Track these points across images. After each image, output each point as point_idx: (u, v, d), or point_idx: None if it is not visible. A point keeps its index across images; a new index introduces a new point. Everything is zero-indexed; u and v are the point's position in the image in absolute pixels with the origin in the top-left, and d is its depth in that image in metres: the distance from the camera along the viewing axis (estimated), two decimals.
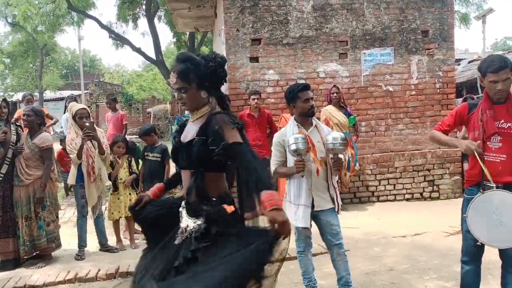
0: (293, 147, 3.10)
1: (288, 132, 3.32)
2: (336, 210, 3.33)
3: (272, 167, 3.38)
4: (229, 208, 2.09)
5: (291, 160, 3.27)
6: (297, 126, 3.31)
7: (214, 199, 2.11)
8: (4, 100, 4.74)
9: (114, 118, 7.89)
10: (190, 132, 2.20)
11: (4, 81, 27.33)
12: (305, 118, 3.33)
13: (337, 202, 3.32)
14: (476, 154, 2.87)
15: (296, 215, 3.27)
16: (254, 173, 1.90)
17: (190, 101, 2.19)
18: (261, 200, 1.81)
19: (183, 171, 2.26)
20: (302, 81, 6.81)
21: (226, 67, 2.24)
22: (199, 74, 2.14)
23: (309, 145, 3.12)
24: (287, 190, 3.39)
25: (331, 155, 3.24)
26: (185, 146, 2.18)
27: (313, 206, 3.26)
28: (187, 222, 2.12)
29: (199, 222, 2.07)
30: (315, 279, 3.49)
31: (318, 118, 3.94)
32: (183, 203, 2.24)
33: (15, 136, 4.64)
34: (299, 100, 3.28)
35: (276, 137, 3.43)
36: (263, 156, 6.32)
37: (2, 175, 4.54)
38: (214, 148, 2.00)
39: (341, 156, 3.24)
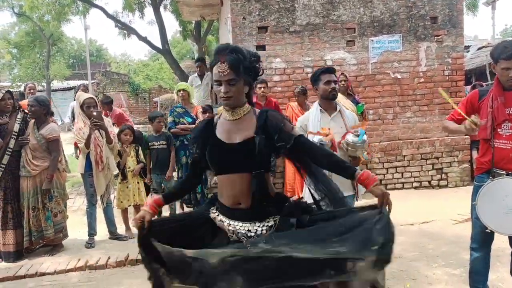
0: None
1: (311, 117, 3.31)
2: (356, 196, 3.32)
3: None
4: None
5: None
6: (321, 111, 3.29)
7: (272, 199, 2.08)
8: (8, 91, 4.67)
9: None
10: (237, 132, 2.04)
11: (11, 72, 27.39)
12: (328, 102, 3.30)
13: (357, 188, 3.29)
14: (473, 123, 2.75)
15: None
16: (332, 156, 2.12)
17: (236, 95, 2.00)
18: (361, 179, 1.96)
19: (228, 176, 2.04)
20: (309, 70, 6.79)
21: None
22: (247, 67, 2.01)
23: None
24: None
25: (349, 155, 3.19)
26: (239, 147, 2.00)
27: None
28: (251, 228, 2.00)
29: (269, 223, 2.01)
30: None
31: None
32: (217, 211, 2.09)
33: (18, 125, 4.58)
34: (320, 82, 3.26)
35: (299, 121, 3.44)
36: None
37: (4, 166, 4.51)
38: (283, 144, 1.98)
39: (358, 155, 3.19)
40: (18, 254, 4.56)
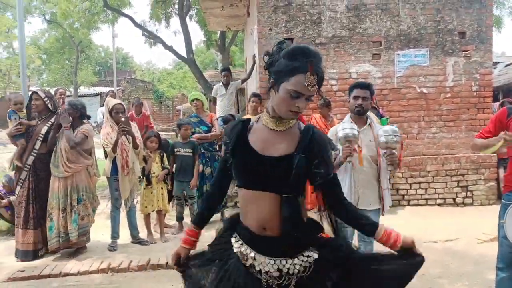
0: (341, 133, 3.02)
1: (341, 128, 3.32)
2: (382, 211, 3.31)
3: None
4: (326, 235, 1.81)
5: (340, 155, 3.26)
6: (352, 124, 3.29)
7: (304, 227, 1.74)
8: (35, 92, 4.76)
9: (139, 121, 8.32)
10: (275, 145, 1.73)
11: (40, 77, 28.23)
12: (357, 116, 3.32)
13: (384, 203, 3.28)
14: None
15: None
16: (355, 211, 1.83)
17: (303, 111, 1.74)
18: (383, 239, 1.77)
19: (254, 192, 1.72)
20: (334, 82, 6.79)
21: None
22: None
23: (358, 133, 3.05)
24: None
25: (383, 151, 3.14)
26: (275, 162, 1.69)
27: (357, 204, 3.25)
28: (280, 266, 1.69)
29: (303, 262, 1.70)
30: None
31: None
32: (239, 238, 1.78)
33: (46, 127, 4.66)
34: (351, 95, 3.32)
35: (330, 131, 3.47)
36: None
37: (28, 166, 4.61)
38: (318, 172, 1.69)
39: (394, 151, 3.11)
40: (35, 253, 4.64)
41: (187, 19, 14.81)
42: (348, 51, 6.80)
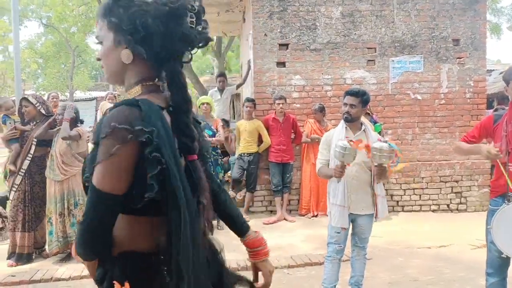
0: (339, 155, 3.00)
1: (335, 134, 3.34)
2: (374, 216, 3.31)
3: (318, 166, 3.43)
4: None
5: (333, 161, 3.27)
6: (346, 129, 3.31)
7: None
8: (25, 99, 4.78)
9: None
10: None
11: (36, 81, 28.15)
12: (349, 122, 3.33)
13: (377, 209, 3.27)
14: (499, 163, 2.83)
15: (331, 214, 3.31)
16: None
17: (105, 62, 1.27)
18: (249, 243, 1.54)
19: None
20: (328, 87, 6.82)
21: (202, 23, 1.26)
22: (125, 14, 1.20)
23: (355, 154, 3.03)
24: (328, 189, 3.42)
25: (375, 163, 3.11)
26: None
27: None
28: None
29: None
30: None
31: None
32: None
33: (40, 131, 4.67)
34: (343, 102, 3.35)
35: (324, 136, 3.48)
36: (287, 161, 6.35)
37: (24, 171, 4.64)
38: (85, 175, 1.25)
39: (385, 165, 3.08)
40: (30, 256, 4.68)
41: None
42: (343, 57, 6.83)
